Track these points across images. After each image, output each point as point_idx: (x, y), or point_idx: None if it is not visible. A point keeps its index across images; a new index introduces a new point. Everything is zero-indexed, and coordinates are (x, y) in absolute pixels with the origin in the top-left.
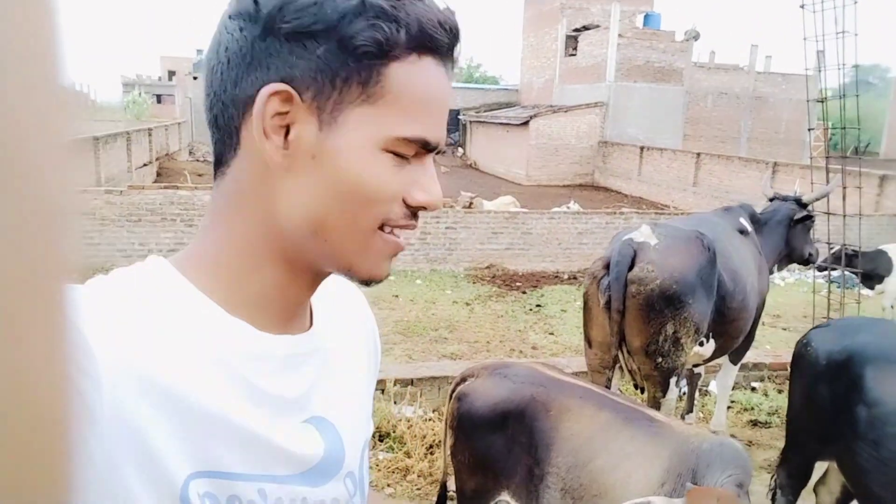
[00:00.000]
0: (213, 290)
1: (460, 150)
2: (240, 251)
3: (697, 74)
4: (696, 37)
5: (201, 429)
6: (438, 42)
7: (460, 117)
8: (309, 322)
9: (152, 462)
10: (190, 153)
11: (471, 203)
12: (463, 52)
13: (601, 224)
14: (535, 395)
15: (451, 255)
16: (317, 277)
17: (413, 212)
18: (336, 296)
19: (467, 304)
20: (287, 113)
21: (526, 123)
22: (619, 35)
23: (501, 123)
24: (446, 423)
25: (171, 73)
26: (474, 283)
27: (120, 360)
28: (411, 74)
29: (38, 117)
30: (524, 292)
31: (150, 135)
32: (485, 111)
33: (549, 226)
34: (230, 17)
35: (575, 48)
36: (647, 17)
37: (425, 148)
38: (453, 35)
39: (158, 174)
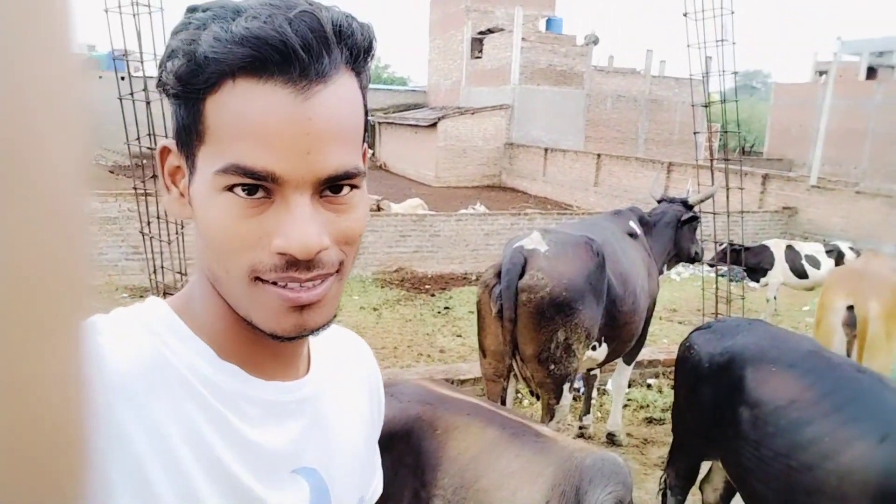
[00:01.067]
0: (204, 333)
1: (370, 151)
2: (208, 300)
3: (597, 78)
4: (596, 41)
5: (181, 475)
6: (247, 63)
7: (369, 118)
8: (305, 369)
9: (144, 491)
10: None
11: (378, 206)
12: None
13: (507, 225)
14: (421, 414)
15: (358, 260)
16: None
17: (289, 261)
18: (339, 345)
19: (375, 309)
20: (181, 166)
21: (434, 125)
22: (523, 39)
23: (410, 125)
24: None
25: None
26: (382, 287)
27: (120, 387)
28: (226, 103)
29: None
30: (433, 295)
31: None
32: (393, 112)
33: (457, 228)
34: None
35: (480, 51)
36: (549, 21)
37: (258, 178)
38: (278, 49)
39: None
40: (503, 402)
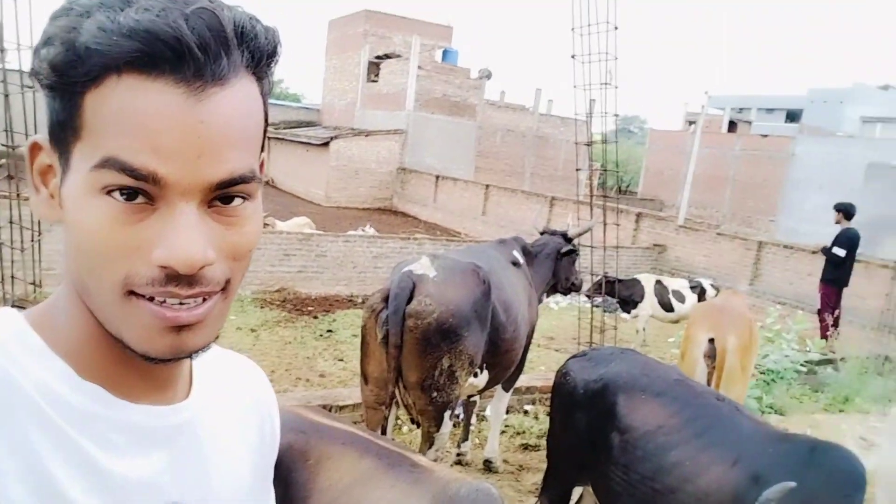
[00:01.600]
0: (64, 349)
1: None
2: (73, 313)
3: (489, 111)
4: (489, 76)
5: None
6: (137, 59)
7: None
8: (185, 393)
9: None
10: None
11: (264, 223)
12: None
13: (396, 248)
14: (292, 443)
15: None
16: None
17: (170, 275)
18: (227, 369)
19: (253, 330)
20: (52, 165)
21: (326, 144)
22: (419, 67)
23: (302, 142)
24: None
25: None
26: (262, 307)
27: None
28: (108, 98)
29: None
30: (316, 317)
31: None
32: (285, 128)
33: (345, 249)
34: None
35: (377, 75)
36: (445, 52)
37: (137, 178)
38: (171, 46)
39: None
40: (384, 431)
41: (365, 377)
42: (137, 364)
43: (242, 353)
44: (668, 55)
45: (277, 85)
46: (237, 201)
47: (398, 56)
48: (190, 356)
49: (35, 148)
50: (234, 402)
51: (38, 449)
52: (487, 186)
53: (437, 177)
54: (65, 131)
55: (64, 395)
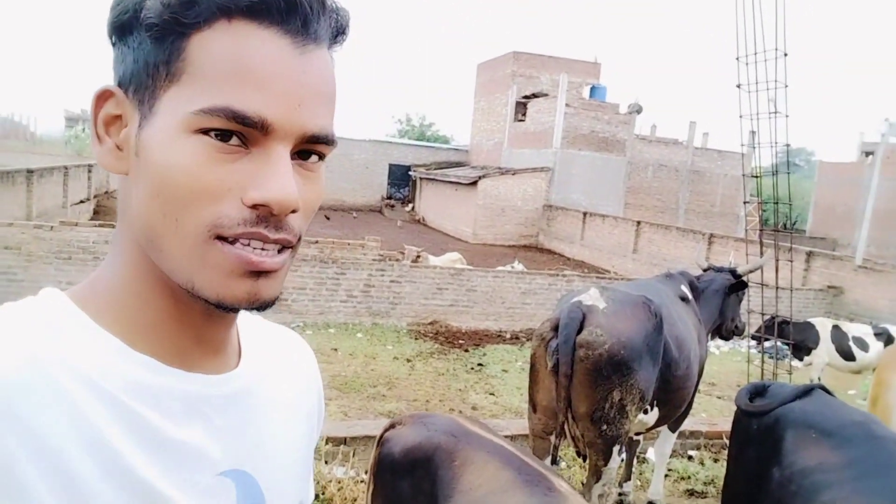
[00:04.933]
0: (113, 322)
1: (410, 205)
2: (126, 277)
3: (639, 146)
4: (639, 110)
5: (86, 491)
6: (253, 5)
7: (411, 173)
8: (235, 362)
9: None
10: None
11: (417, 257)
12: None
13: (544, 285)
14: (443, 444)
15: (394, 310)
16: (206, 304)
17: (261, 216)
18: (276, 340)
19: (408, 360)
20: (121, 115)
21: (475, 183)
22: (567, 104)
23: (451, 182)
24: (370, 471)
25: None
26: (416, 338)
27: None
28: (218, 42)
29: None
30: (466, 350)
31: (89, 171)
32: (435, 169)
33: (494, 284)
34: None
35: (524, 114)
36: (593, 88)
37: (245, 124)
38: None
39: (96, 212)
40: (553, 461)
41: (533, 405)
42: (192, 328)
43: (399, 382)
44: (837, 81)
45: (428, 128)
46: (314, 158)
47: (545, 95)
48: (261, 308)
49: (104, 97)
50: (286, 376)
51: (97, 422)
52: (639, 223)
53: (585, 213)
54: (155, 75)
55: (116, 367)
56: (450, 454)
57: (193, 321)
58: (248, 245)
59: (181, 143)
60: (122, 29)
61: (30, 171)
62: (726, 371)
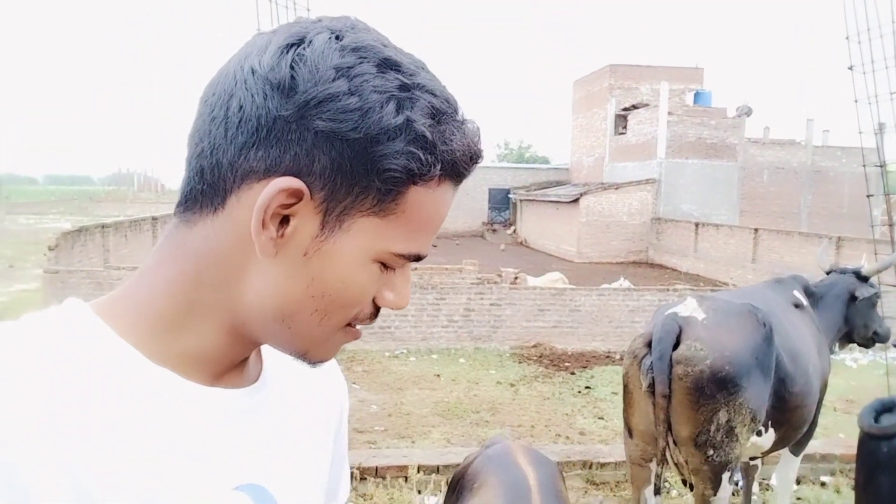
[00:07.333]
0: (138, 337)
1: (511, 228)
2: (181, 306)
3: (752, 150)
4: (749, 113)
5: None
6: (464, 174)
7: (511, 196)
8: (255, 376)
9: None
10: None
11: (515, 279)
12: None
13: (654, 301)
14: (473, 464)
15: (495, 333)
16: (260, 345)
17: (377, 309)
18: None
19: (512, 384)
20: (291, 205)
21: (576, 201)
22: (669, 113)
23: (551, 201)
24: None
25: None
26: (520, 362)
27: (13, 431)
28: (428, 196)
29: None
30: (573, 373)
31: None
32: (535, 189)
33: (599, 303)
34: (253, 72)
35: (625, 127)
36: (697, 94)
37: (415, 260)
38: (476, 163)
39: None
40: (656, 490)
41: (629, 430)
42: (213, 357)
43: (502, 407)
44: None
45: (526, 150)
46: None
47: (646, 105)
48: None
49: (285, 193)
50: (307, 386)
51: (122, 435)
52: (756, 230)
53: (697, 224)
54: (361, 199)
55: (136, 382)
56: (474, 475)
57: (231, 351)
58: (355, 326)
59: (363, 267)
60: (335, 134)
61: (154, 219)
62: (867, 386)
